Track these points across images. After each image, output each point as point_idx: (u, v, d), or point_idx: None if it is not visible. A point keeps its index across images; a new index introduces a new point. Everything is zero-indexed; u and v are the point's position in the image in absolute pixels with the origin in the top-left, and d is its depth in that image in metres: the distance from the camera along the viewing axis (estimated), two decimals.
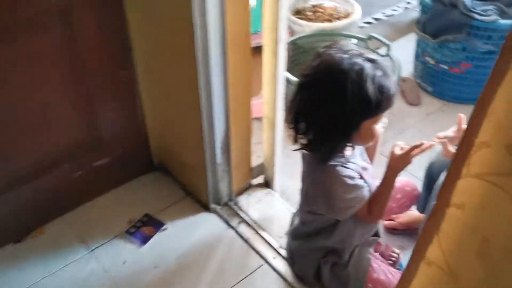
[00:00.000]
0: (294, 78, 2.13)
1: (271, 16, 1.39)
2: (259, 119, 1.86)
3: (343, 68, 1.12)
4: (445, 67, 2.39)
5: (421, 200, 1.66)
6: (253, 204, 1.80)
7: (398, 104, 2.48)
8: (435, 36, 2.31)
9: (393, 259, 1.67)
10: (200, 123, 1.49)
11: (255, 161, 1.86)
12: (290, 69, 2.53)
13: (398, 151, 1.30)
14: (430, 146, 1.29)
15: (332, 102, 1.14)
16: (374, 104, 1.13)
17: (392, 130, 2.30)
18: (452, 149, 1.38)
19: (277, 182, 1.86)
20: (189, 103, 1.50)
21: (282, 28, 1.40)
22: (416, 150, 1.27)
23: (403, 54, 2.76)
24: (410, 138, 2.27)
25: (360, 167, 1.33)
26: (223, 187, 1.73)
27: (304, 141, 1.26)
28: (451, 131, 1.39)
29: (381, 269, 1.44)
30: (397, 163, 1.30)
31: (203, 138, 1.53)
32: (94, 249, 1.64)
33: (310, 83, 1.17)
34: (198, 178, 1.70)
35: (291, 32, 2.62)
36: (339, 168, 1.25)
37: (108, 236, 1.68)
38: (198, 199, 1.80)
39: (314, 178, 1.33)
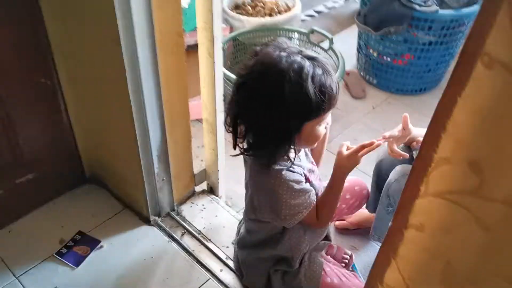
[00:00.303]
0: (235, 77, 2.03)
1: (204, 14, 1.28)
2: (201, 120, 1.74)
3: (281, 67, 1.03)
4: (388, 59, 2.37)
5: (371, 200, 1.61)
6: (197, 213, 1.69)
7: (343, 98, 2.44)
8: (376, 28, 2.27)
9: (346, 261, 1.62)
10: (132, 131, 1.36)
11: (198, 166, 1.74)
12: (231, 67, 2.43)
13: (345, 151, 1.23)
14: (379, 145, 1.23)
15: (270, 104, 1.06)
16: (315, 105, 1.05)
17: (338, 125, 2.25)
18: (397, 148, 1.33)
19: (222, 187, 1.76)
20: (119, 111, 1.36)
21: (217, 25, 1.29)
22: (365, 150, 1.21)
23: (346, 47, 2.72)
24: (357, 132, 2.23)
25: (307, 169, 1.25)
26: (163, 197, 1.61)
27: (244, 145, 1.16)
28: (397, 130, 1.34)
29: (334, 272, 1.37)
30: (345, 163, 1.23)
31: (137, 148, 1.40)
32: (20, 275, 1.47)
33: (247, 84, 1.08)
34: (135, 189, 1.57)
35: (231, 28, 2.52)
36: (285, 172, 1.17)
37: (37, 259, 1.51)
38: (136, 211, 1.66)
39: (258, 184, 1.24)
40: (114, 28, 1.14)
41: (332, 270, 1.36)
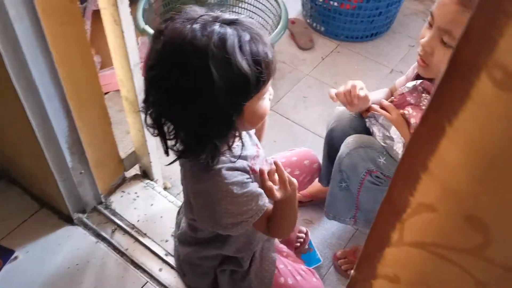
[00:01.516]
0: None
1: None
2: None
3: (198, 44, 0.79)
4: (336, 4, 2.13)
5: (324, 173, 1.43)
6: (130, 204, 1.47)
7: (290, 49, 2.21)
8: None
9: (301, 240, 1.46)
10: (27, 122, 1.10)
11: (131, 144, 1.49)
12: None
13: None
14: None
15: (197, 95, 0.82)
16: (253, 79, 0.82)
17: (285, 81, 2.04)
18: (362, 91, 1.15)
19: (157, 170, 1.54)
20: (6, 99, 1.09)
21: None
22: None
23: None
24: (307, 89, 2.02)
25: (250, 158, 1.03)
26: (86, 191, 1.37)
27: (178, 147, 0.93)
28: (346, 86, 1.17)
29: (288, 270, 1.20)
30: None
31: (38, 142, 1.14)
32: None
33: (161, 76, 0.83)
34: (49, 187, 1.32)
35: None
36: (224, 173, 0.94)
37: None
38: (56, 210, 1.42)
39: (194, 186, 1.01)
40: None
41: (286, 267, 1.19)
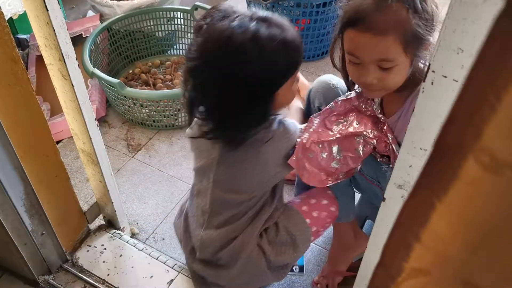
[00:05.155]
0: (115, 80, 1.72)
1: (41, 28, 0.96)
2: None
3: (236, 40, 0.86)
4: None
5: None
6: (97, 258, 1.40)
7: None
8: None
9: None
10: None
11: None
12: (111, 62, 2.09)
13: None
14: None
15: (235, 87, 0.90)
16: (287, 67, 0.93)
17: None
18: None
19: (122, 218, 1.48)
20: None
21: (64, 40, 0.98)
22: None
23: None
24: None
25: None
26: (49, 251, 1.30)
27: (205, 128, 0.99)
28: None
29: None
30: None
31: None
32: None
33: (201, 68, 0.91)
34: (9, 254, 1.25)
35: (101, 16, 2.17)
36: (285, 122, 1.03)
37: None
38: (19, 275, 1.34)
39: (244, 160, 1.03)
40: None
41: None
